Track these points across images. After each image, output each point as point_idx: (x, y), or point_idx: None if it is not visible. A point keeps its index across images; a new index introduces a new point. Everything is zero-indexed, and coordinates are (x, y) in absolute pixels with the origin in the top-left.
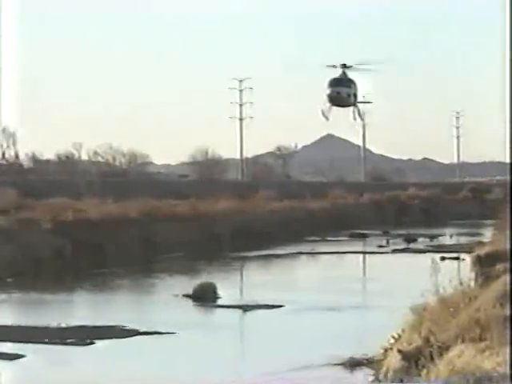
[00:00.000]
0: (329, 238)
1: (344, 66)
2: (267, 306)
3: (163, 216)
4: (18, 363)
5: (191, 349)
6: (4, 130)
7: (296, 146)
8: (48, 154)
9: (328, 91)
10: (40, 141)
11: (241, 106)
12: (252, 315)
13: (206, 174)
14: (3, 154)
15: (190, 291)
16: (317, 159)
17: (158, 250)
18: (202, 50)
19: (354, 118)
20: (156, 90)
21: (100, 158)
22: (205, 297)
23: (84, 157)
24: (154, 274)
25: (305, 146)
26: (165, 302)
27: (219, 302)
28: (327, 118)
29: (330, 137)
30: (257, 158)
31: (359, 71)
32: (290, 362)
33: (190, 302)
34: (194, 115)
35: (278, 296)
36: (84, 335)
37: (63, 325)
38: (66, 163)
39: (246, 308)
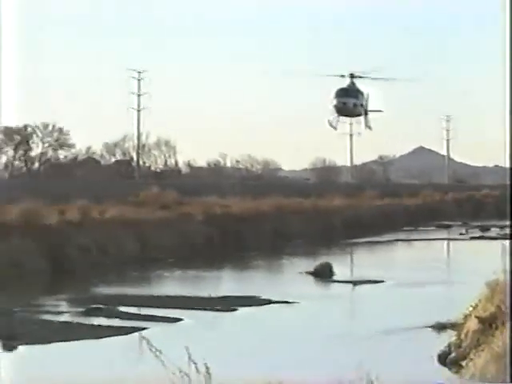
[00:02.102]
0: (420, 228)
1: (352, 75)
2: (371, 281)
3: (290, 210)
4: (177, 325)
5: (312, 313)
6: (167, 143)
7: (394, 156)
8: (200, 161)
9: (334, 102)
10: (194, 151)
11: (351, 124)
12: (360, 288)
13: (324, 178)
14: (166, 162)
15: (311, 269)
16: (411, 166)
17: (285, 237)
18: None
19: (369, 127)
20: (282, 106)
21: (241, 165)
22: (323, 274)
23: (228, 164)
24: (283, 256)
25: (401, 156)
26: (291, 278)
27: (334, 278)
28: (335, 128)
29: (421, 148)
30: (364, 164)
31: (374, 80)
32: (390, 324)
33: (311, 278)
34: (314, 129)
35: (380, 273)
36: (229, 304)
37: (212, 295)
38: (214, 169)
39: (355, 283)
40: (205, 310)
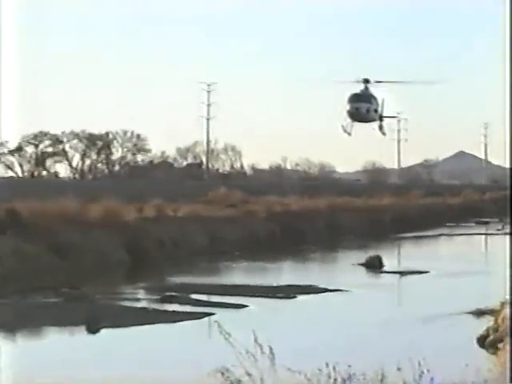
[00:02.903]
0: (461, 224)
1: (366, 81)
2: (417, 271)
3: (343, 208)
4: (243, 311)
5: (364, 300)
6: (233, 148)
7: (437, 159)
8: (263, 164)
9: (347, 107)
10: (258, 155)
11: (398, 131)
12: (406, 278)
13: (374, 179)
14: (232, 165)
15: (362, 261)
16: (452, 168)
17: (339, 232)
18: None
19: (383, 133)
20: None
21: (299, 168)
22: (373, 265)
23: (288, 167)
24: (337, 249)
25: (444, 159)
26: (345, 269)
27: (383, 269)
28: (349, 134)
29: (462, 152)
30: (410, 167)
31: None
32: (434, 310)
33: (362, 269)
34: (364, 135)
35: (425, 264)
36: (289, 291)
37: (274, 284)
38: (276, 171)
39: (402, 273)
40: (268, 297)
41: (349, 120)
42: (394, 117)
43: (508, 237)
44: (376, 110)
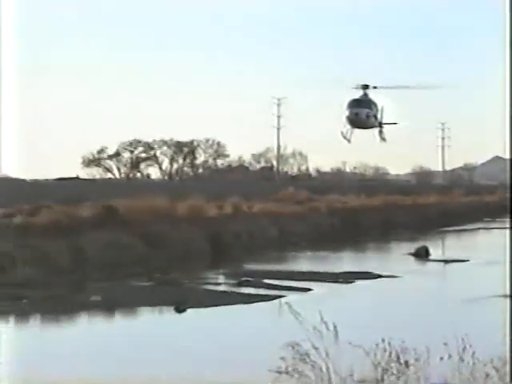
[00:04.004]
0: (497, 219)
1: (365, 86)
2: (459, 260)
3: (395, 206)
4: (309, 294)
5: (412, 284)
6: (300, 153)
7: (476, 163)
8: (326, 168)
9: (346, 113)
10: (321, 160)
11: (443, 138)
12: (449, 266)
13: (421, 180)
14: (299, 168)
15: (412, 251)
16: (489, 170)
17: (391, 226)
18: None
19: (383, 139)
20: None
21: (357, 170)
22: (421, 254)
23: (347, 169)
24: (390, 241)
25: (481, 163)
26: (396, 258)
27: (430, 258)
28: (349, 141)
29: (497, 157)
30: (453, 170)
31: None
32: (474, 293)
33: (412, 258)
34: (413, 141)
35: (466, 254)
36: (348, 277)
37: (335, 271)
38: (337, 173)
39: (446, 261)
40: (330, 282)
41: (348, 126)
42: (393, 123)
43: None
44: (376, 116)
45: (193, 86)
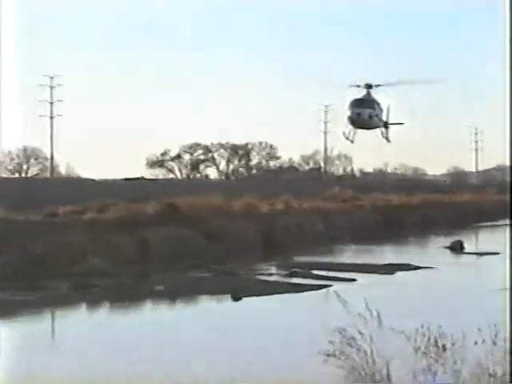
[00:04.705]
0: None
1: (368, 86)
2: (491, 253)
3: (432, 203)
4: (353, 283)
5: (448, 275)
6: (345, 156)
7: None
8: (369, 168)
9: (348, 113)
10: (365, 161)
11: (476, 142)
12: (482, 258)
13: (456, 180)
14: (344, 169)
15: (447, 245)
16: None
17: (429, 222)
18: None
19: (387, 140)
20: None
21: (397, 171)
22: (456, 248)
23: (389, 170)
24: (427, 236)
25: None
26: (433, 251)
27: (464, 251)
28: (352, 142)
29: None
30: (486, 170)
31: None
32: (504, 283)
33: (447, 251)
34: (448, 144)
35: (497, 247)
36: (390, 269)
37: (378, 262)
38: (379, 174)
39: (479, 254)
40: (372, 273)
41: (350, 127)
42: (400, 123)
43: None
44: (378, 116)
45: (248, 94)
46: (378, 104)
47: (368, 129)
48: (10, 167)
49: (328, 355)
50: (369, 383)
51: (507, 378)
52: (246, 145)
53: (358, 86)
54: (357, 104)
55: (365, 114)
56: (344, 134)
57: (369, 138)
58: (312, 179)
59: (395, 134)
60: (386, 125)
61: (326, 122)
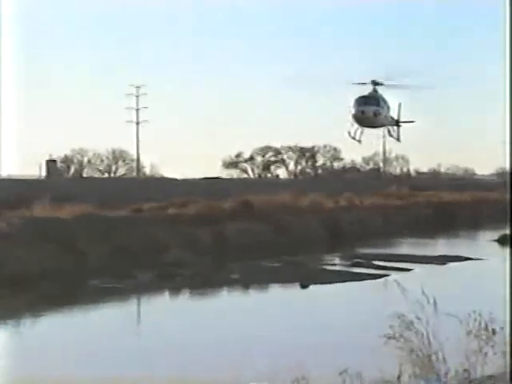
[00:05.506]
0: None
1: (375, 83)
2: None
3: (482, 200)
4: (410, 273)
5: (496, 265)
6: (402, 157)
7: None
8: (423, 169)
9: (353, 111)
10: (420, 162)
11: None
12: None
13: (504, 179)
14: (401, 169)
15: (495, 238)
16: None
17: (479, 217)
18: None
19: (398, 139)
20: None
21: (449, 171)
22: (504, 241)
23: (442, 170)
24: (477, 230)
25: None
26: (483, 244)
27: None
28: (359, 141)
29: None
30: None
31: (395, 88)
32: None
33: (496, 244)
34: (495, 144)
35: None
36: (443, 260)
37: (432, 254)
38: (433, 173)
39: None
40: (427, 263)
41: (356, 125)
42: (410, 121)
43: None
44: (385, 114)
45: (314, 100)
46: (384, 101)
47: (374, 127)
48: (101, 168)
49: (388, 338)
50: (425, 363)
51: None
52: (313, 148)
53: (364, 84)
54: (361, 101)
55: (370, 111)
56: (349, 133)
57: (421, 136)
58: (372, 179)
59: (447, 135)
60: (397, 123)
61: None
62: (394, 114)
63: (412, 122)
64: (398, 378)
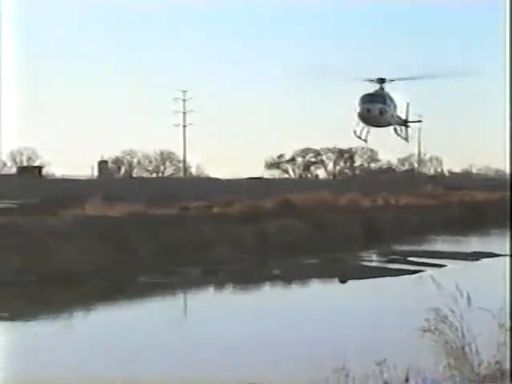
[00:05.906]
0: None
1: (381, 80)
2: None
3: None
4: (444, 268)
5: None
6: (436, 158)
7: None
8: (456, 169)
9: (358, 109)
10: (453, 162)
11: None
12: None
13: None
14: (435, 170)
15: None
16: None
17: (509, 216)
18: None
19: (406, 140)
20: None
21: (481, 171)
22: None
23: (474, 170)
24: (508, 228)
25: None
26: (501, 240)
27: None
28: (365, 140)
29: None
30: None
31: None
32: None
33: None
34: None
35: None
36: (476, 256)
37: (465, 251)
38: (465, 174)
39: None
40: (461, 259)
41: (362, 124)
42: (419, 121)
43: None
44: (391, 113)
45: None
46: (391, 99)
47: (379, 126)
48: (149, 168)
49: (424, 331)
50: (459, 355)
51: None
52: (350, 149)
53: (371, 81)
54: (367, 99)
55: (375, 110)
56: (355, 132)
57: (455, 137)
58: (407, 179)
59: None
60: (405, 123)
61: (419, 129)
62: (401, 113)
63: (419, 121)
64: (434, 368)
